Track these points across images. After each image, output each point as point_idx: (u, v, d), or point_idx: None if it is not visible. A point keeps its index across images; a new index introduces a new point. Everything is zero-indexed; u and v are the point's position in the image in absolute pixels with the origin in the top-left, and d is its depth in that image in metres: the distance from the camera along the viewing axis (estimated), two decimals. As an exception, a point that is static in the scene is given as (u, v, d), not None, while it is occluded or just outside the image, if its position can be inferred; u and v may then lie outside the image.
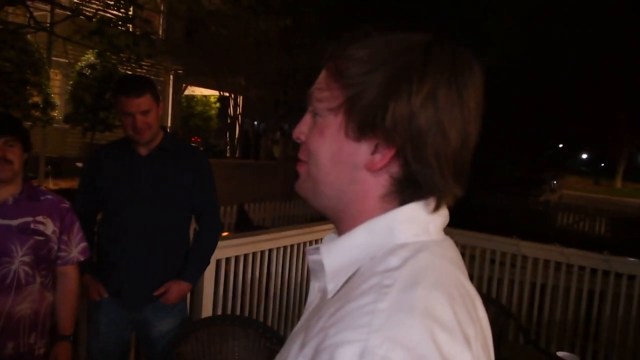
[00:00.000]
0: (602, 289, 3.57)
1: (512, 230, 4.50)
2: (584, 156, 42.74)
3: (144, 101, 1.99)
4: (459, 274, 0.60)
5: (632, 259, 3.53)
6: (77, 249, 1.85)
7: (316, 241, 3.79)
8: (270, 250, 3.38)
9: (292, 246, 3.55)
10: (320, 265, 0.61)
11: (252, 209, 7.75)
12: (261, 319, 3.34)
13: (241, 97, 14.90)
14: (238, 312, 3.16)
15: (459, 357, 0.50)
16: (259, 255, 3.29)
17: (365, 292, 0.53)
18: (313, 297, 0.66)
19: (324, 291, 0.62)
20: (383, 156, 0.59)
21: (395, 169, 0.59)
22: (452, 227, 0.69)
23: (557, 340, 3.72)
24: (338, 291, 0.59)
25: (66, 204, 1.85)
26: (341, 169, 0.61)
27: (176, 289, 2.14)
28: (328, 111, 0.62)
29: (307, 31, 11.34)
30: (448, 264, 0.59)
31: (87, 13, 6.47)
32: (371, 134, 0.59)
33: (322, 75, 0.64)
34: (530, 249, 3.83)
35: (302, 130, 0.66)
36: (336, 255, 0.61)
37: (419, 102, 0.57)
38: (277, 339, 2.05)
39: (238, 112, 14.73)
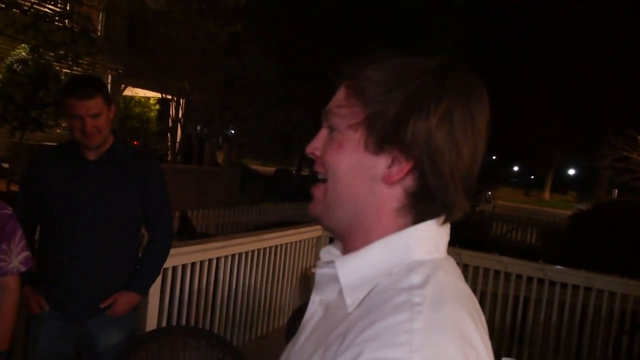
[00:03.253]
0: (537, 297, 3.77)
1: (451, 239, 4.67)
2: (515, 168, 45.09)
3: (94, 104, 1.88)
4: (467, 289, 0.65)
5: (564, 268, 3.75)
6: (18, 258, 1.72)
7: (265, 249, 3.76)
8: (218, 259, 3.32)
9: (240, 254, 3.51)
10: (331, 279, 0.64)
11: (195, 215, 7.57)
12: (208, 327, 3.26)
13: (184, 100, 14.57)
14: (184, 322, 3.07)
15: None
16: (206, 263, 3.22)
17: (396, 309, 0.56)
18: (313, 310, 0.68)
19: (327, 305, 0.65)
20: (400, 169, 0.62)
21: (410, 182, 0.63)
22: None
23: (495, 344, 3.88)
24: (358, 305, 0.61)
25: (8, 210, 1.71)
26: (359, 181, 0.64)
27: (124, 300, 2.03)
28: (348, 127, 0.65)
29: (257, 38, 11.28)
30: (459, 280, 0.64)
31: (23, 6, 6.11)
32: (389, 148, 0.63)
33: (341, 94, 0.68)
34: (471, 257, 3.97)
35: (316, 145, 0.69)
36: (353, 269, 0.63)
37: (437, 120, 0.61)
38: (230, 350, 2.00)
39: (180, 116, 14.38)
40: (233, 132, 15.54)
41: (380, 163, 0.63)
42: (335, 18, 12.97)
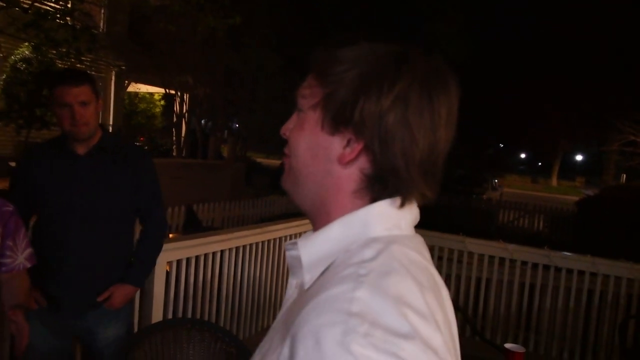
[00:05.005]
0: (543, 283, 3.76)
1: (457, 228, 4.66)
2: (522, 155, 44.83)
3: (82, 91, 1.88)
4: (427, 265, 0.65)
5: (569, 254, 3.74)
6: (23, 254, 1.73)
7: (269, 242, 3.77)
8: (222, 252, 3.33)
9: (244, 247, 3.52)
10: (298, 260, 0.64)
11: (200, 209, 7.60)
12: (213, 320, 3.28)
13: (188, 95, 14.57)
14: (189, 315, 3.09)
15: (433, 339, 0.54)
16: (210, 256, 3.23)
17: (341, 281, 0.56)
18: (290, 293, 0.69)
19: (301, 287, 0.65)
20: (352, 150, 0.63)
21: (365, 164, 0.63)
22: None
23: (501, 331, 3.88)
24: (314, 283, 0.62)
25: (9, 207, 1.71)
26: (317, 161, 0.66)
27: (121, 293, 2.03)
28: (309, 108, 0.67)
29: (257, 30, 11.25)
30: (417, 255, 0.63)
31: (23, 5, 6.12)
32: (343, 129, 0.63)
33: (309, 76, 0.69)
34: (475, 245, 3.97)
35: (288, 126, 0.71)
36: (312, 248, 0.64)
37: (389, 102, 0.61)
38: (233, 341, 2.01)
39: (184, 111, 14.39)
40: (237, 125, 15.54)
41: (336, 143, 0.64)
42: (335, 9, 12.91)
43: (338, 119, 0.63)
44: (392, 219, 0.64)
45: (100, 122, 2.03)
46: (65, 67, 10.14)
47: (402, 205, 0.64)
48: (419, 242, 0.68)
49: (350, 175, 0.64)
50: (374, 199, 0.64)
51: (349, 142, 0.63)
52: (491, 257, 3.92)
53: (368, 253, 0.59)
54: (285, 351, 0.54)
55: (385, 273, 0.57)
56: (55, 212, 1.95)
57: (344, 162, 0.64)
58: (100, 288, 2.01)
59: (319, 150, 0.65)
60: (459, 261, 4.04)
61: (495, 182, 18.14)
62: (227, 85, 12.45)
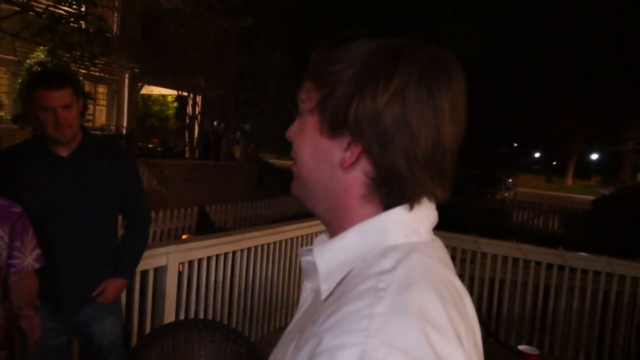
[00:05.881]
0: (557, 283, 3.71)
1: (470, 228, 4.62)
2: (537, 155, 44.38)
3: (65, 94, 1.86)
4: (448, 274, 0.62)
5: (584, 254, 3.68)
6: (32, 255, 1.75)
7: (281, 242, 3.77)
8: (234, 252, 3.34)
9: (256, 247, 3.52)
10: (313, 266, 0.62)
11: (213, 210, 7.64)
12: (225, 321, 3.29)
13: (200, 96, 14.66)
14: (202, 315, 3.11)
15: (452, 357, 0.52)
16: (222, 257, 3.24)
17: (360, 295, 0.54)
18: (305, 297, 0.68)
19: (316, 292, 0.63)
20: (352, 153, 0.60)
21: (368, 167, 0.61)
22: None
23: (515, 333, 3.84)
24: (332, 293, 0.60)
25: (17, 209, 1.73)
26: (321, 167, 0.63)
27: (113, 286, 2.09)
28: (307, 112, 0.65)
29: (268, 31, 11.28)
30: (438, 264, 0.61)
31: (37, 9, 6.20)
32: (342, 132, 0.61)
33: (306, 79, 0.67)
34: (489, 245, 3.93)
35: (292, 130, 0.68)
36: (329, 256, 0.62)
37: (385, 101, 0.58)
38: (244, 342, 2.02)
39: (197, 112, 14.48)
40: (249, 126, 15.59)
41: (336, 148, 0.62)
42: (346, 8, 12.89)
43: (334, 122, 0.61)
44: (410, 225, 0.61)
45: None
46: (80, 71, 10.27)
47: (411, 207, 0.61)
48: (439, 247, 0.66)
49: (356, 179, 0.62)
50: (383, 203, 0.62)
51: (348, 145, 0.61)
52: (505, 258, 3.88)
53: (387, 263, 0.57)
54: None
55: (406, 286, 0.54)
56: (43, 214, 1.93)
57: (345, 167, 0.61)
58: (93, 284, 2.06)
59: (320, 156, 0.63)
60: (472, 262, 4.01)
61: (509, 181, 17.97)
62: (239, 86, 12.49)
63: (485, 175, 16.79)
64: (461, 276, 3.97)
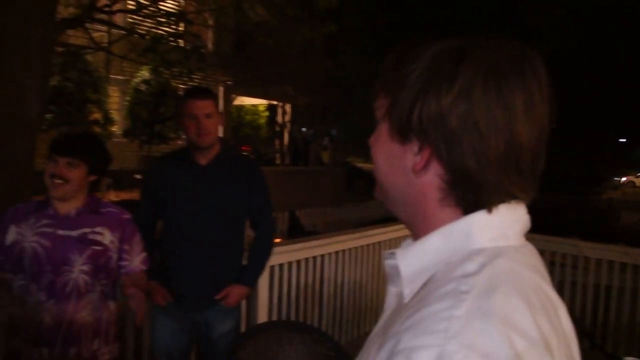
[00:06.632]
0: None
1: (571, 231, 4.33)
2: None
3: (207, 104, 2.13)
4: (539, 280, 0.59)
5: None
6: (138, 258, 1.93)
7: (369, 246, 3.79)
8: (322, 256, 3.41)
9: (344, 251, 3.57)
10: (396, 270, 0.62)
11: (303, 214, 7.83)
12: (315, 324, 3.37)
13: (289, 104, 15.10)
14: (293, 317, 3.20)
15: None
16: (311, 260, 3.32)
17: (441, 298, 0.53)
18: (390, 301, 0.67)
19: (400, 296, 0.63)
20: (422, 157, 0.60)
21: (440, 171, 0.60)
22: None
23: (625, 344, 3.53)
24: (414, 296, 0.60)
25: (127, 216, 1.93)
26: (395, 172, 0.64)
27: (236, 292, 2.23)
28: (381, 119, 0.65)
29: (352, 37, 11.37)
30: (527, 270, 0.58)
31: (141, 31, 6.77)
32: (409, 136, 0.60)
33: (377, 86, 0.68)
34: (592, 249, 3.67)
35: (372, 137, 0.69)
36: (412, 260, 0.61)
37: (449, 102, 0.57)
38: (333, 345, 2.06)
39: (286, 120, 14.94)
40: (336, 131, 15.78)
41: (408, 152, 0.61)
42: (431, 8, 12.63)
43: (401, 127, 0.61)
44: (496, 229, 0.59)
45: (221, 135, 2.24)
46: (179, 86, 11.03)
47: (490, 210, 0.59)
48: (530, 253, 0.62)
49: (431, 183, 0.60)
50: (461, 206, 0.60)
51: (420, 149, 0.60)
52: (610, 262, 3.59)
53: (470, 267, 0.55)
54: None
55: (490, 290, 0.52)
56: (179, 217, 2.18)
57: (417, 171, 0.60)
58: (218, 287, 2.21)
59: (394, 161, 0.63)
60: (574, 267, 3.75)
61: (616, 180, 16.52)
62: (326, 92, 12.71)
63: (588, 174, 15.59)
64: (560, 282, 3.74)
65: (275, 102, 14.35)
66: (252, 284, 2.37)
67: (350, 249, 3.61)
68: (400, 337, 0.52)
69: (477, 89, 0.56)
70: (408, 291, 0.60)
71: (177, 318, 2.23)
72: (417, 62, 0.60)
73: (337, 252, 3.51)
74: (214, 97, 2.22)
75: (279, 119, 15.01)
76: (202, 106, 2.12)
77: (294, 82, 12.69)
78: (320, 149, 15.66)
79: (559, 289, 3.74)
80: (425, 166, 0.60)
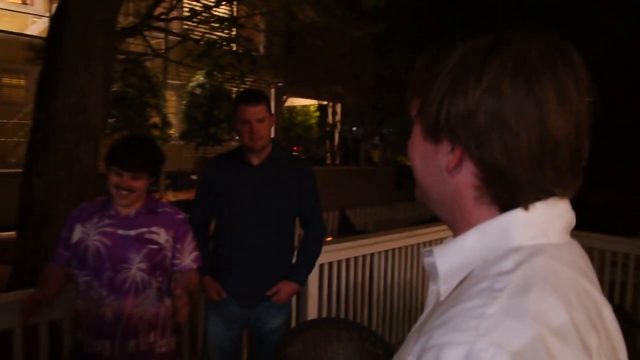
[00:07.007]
0: None
1: (636, 230, 4.11)
2: None
3: (260, 110, 2.19)
4: (581, 280, 0.58)
5: None
6: (190, 257, 2.02)
7: (419, 245, 3.76)
8: (372, 255, 3.42)
9: (393, 250, 3.56)
10: (434, 267, 0.62)
11: (353, 214, 7.84)
12: (365, 323, 3.38)
13: (339, 104, 15.14)
14: (342, 315, 3.23)
15: None
16: (360, 259, 3.34)
17: (475, 295, 0.53)
18: (430, 299, 0.66)
19: (437, 293, 0.63)
20: (454, 156, 0.59)
21: (474, 169, 0.59)
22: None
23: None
24: (450, 294, 0.59)
25: (181, 216, 2.02)
26: (430, 172, 0.64)
27: (286, 289, 2.29)
28: (414, 119, 0.66)
29: (401, 35, 11.26)
30: (568, 269, 0.57)
31: (195, 36, 6.99)
32: (440, 136, 0.60)
33: (409, 88, 0.68)
34: (658, 249, 3.47)
35: (410, 139, 0.69)
36: (449, 257, 0.61)
37: (477, 99, 0.56)
38: (381, 343, 2.07)
39: (336, 120, 14.99)
40: (386, 130, 15.68)
41: (440, 152, 0.61)
42: (484, 3, 12.27)
43: (430, 127, 0.61)
44: (536, 226, 0.58)
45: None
46: (232, 89, 11.32)
47: (526, 207, 0.57)
48: (574, 252, 0.61)
49: (466, 181, 0.60)
50: (497, 204, 0.59)
51: (451, 148, 0.60)
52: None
53: (506, 265, 0.54)
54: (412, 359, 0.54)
55: (524, 288, 0.52)
56: (233, 214, 2.26)
57: (450, 170, 0.60)
58: (269, 283, 2.28)
59: (429, 161, 0.63)
60: (638, 267, 3.56)
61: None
62: (375, 91, 12.66)
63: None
64: (623, 284, 3.56)
65: (325, 102, 14.43)
66: (302, 281, 2.42)
67: (399, 248, 3.59)
68: (431, 334, 0.52)
69: (506, 84, 0.55)
70: (444, 289, 0.60)
71: (229, 313, 2.30)
72: (445, 61, 0.60)
73: (386, 251, 3.51)
74: (267, 101, 2.27)
75: (329, 119, 15.08)
76: (254, 112, 2.18)
77: (343, 82, 12.71)
78: (371, 148, 15.60)
79: (622, 291, 3.56)
80: (458, 165, 0.60)
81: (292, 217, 2.37)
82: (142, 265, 1.88)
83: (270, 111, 2.26)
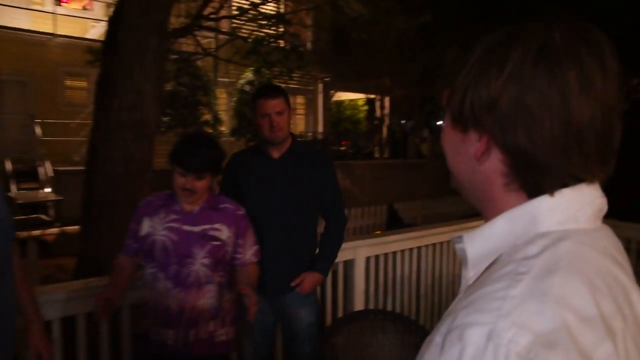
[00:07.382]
0: None
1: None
2: None
3: (278, 103, 2.23)
4: (609, 264, 0.58)
5: None
6: (250, 251, 2.08)
7: (466, 238, 3.69)
8: (419, 248, 3.40)
9: (441, 244, 3.52)
10: (464, 253, 0.63)
11: (402, 207, 7.79)
12: (413, 316, 3.36)
13: (387, 97, 15.02)
14: (389, 308, 3.23)
15: (598, 350, 0.50)
16: (407, 252, 3.32)
17: (500, 278, 0.54)
18: (463, 284, 0.67)
19: (467, 278, 0.64)
20: (481, 144, 0.61)
21: (501, 156, 0.60)
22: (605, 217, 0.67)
23: None
24: (478, 278, 0.61)
25: (241, 211, 2.08)
26: (460, 160, 0.65)
27: (310, 279, 2.32)
28: (445, 110, 0.68)
29: (448, 26, 11.02)
30: (596, 253, 0.58)
31: (243, 34, 7.13)
32: (467, 125, 0.62)
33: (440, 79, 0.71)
34: None
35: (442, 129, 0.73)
36: (478, 243, 0.62)
37: (500, 87, 0.57)
38: (426, 336, 2.06)
39: (384, 113, 14.88)
40: (436, 122, 15.41)
41: (469, 140, 0.62)
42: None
43: (457, 116, 0.63)
44: (565, 211, 0.58)
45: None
46: (293, 86, 11.47)
47: (552, 193, 0.58)
48: (605, 237, 0.61)
49: (495, 169, 0.61)
50: (525, 190, 0.60)
51: (479, 136, 0.61)
52: None
53: (532, 249, 0.56)
54: (438, 339, 0.56)
55: (548, 272, 0.53)
56: (256, 206, 2.28)
57: (478, 158, 0.61)
58: (293, 274, 2.31)
59: (459, 150, 0.65)
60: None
61: None
62: (423, 83, 12.47)
63: None
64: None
65: (373, 96, 14.36)
66: (325, 272, 2.43)
67: (448, 242, 3.55)
68: (456, 315, 0.54)
69: (528, 71, 0.56)
70: (473, 273, 0.61)
71: (259, 304, 2.35)
72: (472, 51, 0.61)
73: (434, 245, 3.48)
74: (285, 94, 2.31)
75: (377, 112, 14.99)
76: (273, 105, 2.22)
77: (391, 75, 12.60)
78: (420, 141, 15.39)
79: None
80: (486, 152, 0.61)
81: (314, 209, 2.39)
82: (206, 261, 1.94)
83: (288, 104, 2.29)
